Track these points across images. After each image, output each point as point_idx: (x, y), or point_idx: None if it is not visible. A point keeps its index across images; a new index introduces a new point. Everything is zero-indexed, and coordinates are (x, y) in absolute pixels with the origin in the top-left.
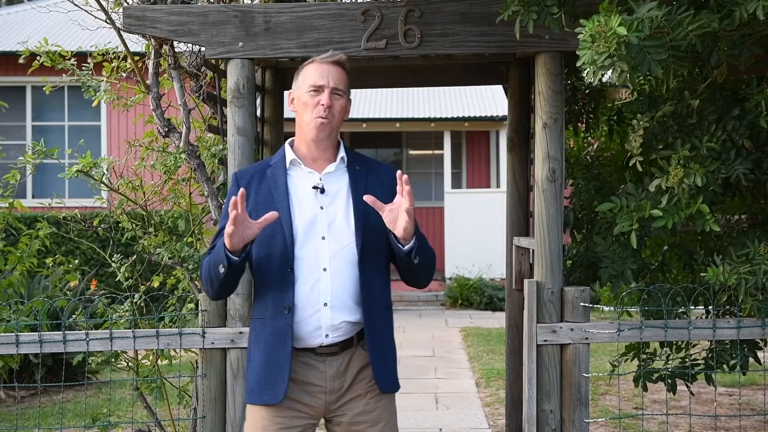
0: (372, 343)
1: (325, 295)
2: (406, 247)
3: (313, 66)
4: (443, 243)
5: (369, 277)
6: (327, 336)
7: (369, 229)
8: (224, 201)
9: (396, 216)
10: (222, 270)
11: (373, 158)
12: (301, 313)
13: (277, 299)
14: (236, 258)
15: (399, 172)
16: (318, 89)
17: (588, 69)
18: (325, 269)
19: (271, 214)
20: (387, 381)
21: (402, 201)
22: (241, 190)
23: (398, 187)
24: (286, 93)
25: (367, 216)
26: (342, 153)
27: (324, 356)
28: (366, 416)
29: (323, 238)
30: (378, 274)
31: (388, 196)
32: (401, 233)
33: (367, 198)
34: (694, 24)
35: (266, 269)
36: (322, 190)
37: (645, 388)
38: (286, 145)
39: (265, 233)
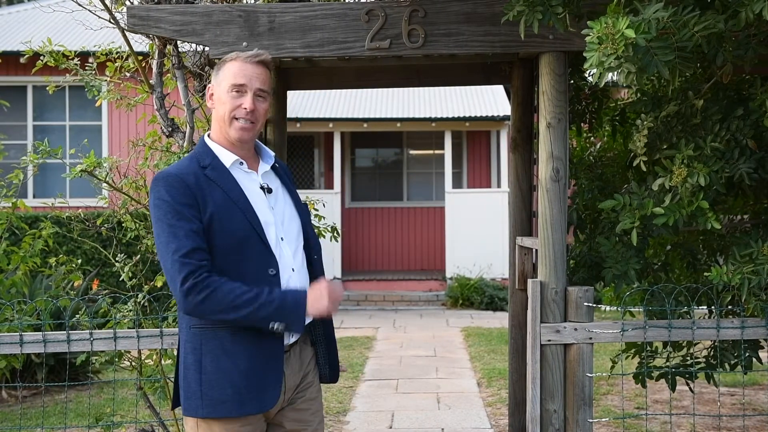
0: (327, 335)
1: None
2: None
3: (237, 64)
4: (444, 243)
5: (315, 274)
6: (293, 336)
7: (306, 221)
8: (168, 200)
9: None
10: (277, 329)
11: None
12: None
13: None
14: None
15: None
16: (240, 89)
17: (595, 70)
18: (293, 269)
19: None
20: (336, 370)
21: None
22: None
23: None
24: (289, 93)
25: (301, 212)
26: (270, 152)
27: (289, 352)
28: (311, 404)
29: (282, 238)
30: (317, 269)
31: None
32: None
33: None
34: (700, 25)
35: (237, 276)
36: (269, 190)
37: (644, 385)
38: (210, 143)
39: (236, 239)
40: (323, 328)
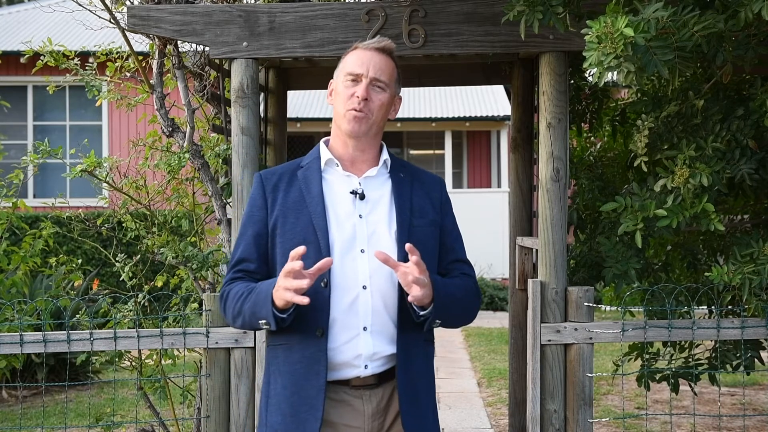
0: (405, 381)
1: (365, 317)
2: (422, 313)
3: (355, 52)
4: None
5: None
6: (366, 367)
7: (415, 245)
8: (250, 200)
9: (410, 282)
10: (264, 327)
11: (421, 167)
12: (335, 339)
13: (308, 321)
14: (284, 316)
15: (408, 245)
16: (355, 78)
17: (594, 70)
18: (365, 287)
19: (325, 261)
20: (418, 426)
21: (412, 268)
22: (301, 248)
23: (410, 256)
24: (289, 93)
25: (412, 229)
26: (385, 156)
27: (361, 390)
28: None
29: (362, 251)
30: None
31: (435, 210)
32: (411, 299)
33: (378, 254)
34: (700, 24)
35: None
36: (362, 196)
37: (648, 387)
38: (321, 143)
39: (295, 242)
40: (405, 375)
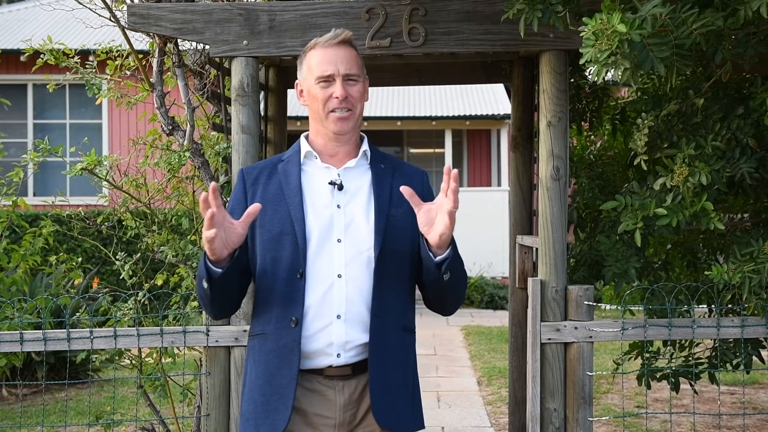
0: (378, 369)
1: (338, 306)
2: (438, 258)
3: (317, 52)
4: None
5: (386, 289)
6: (339, 355)
7: (392, 235)
8: (229, 200)
9: (433, 218)
10: (205, 285)
11: (401, 159)
12: (309, 327)
13: (283, 310)
14: (219, 269)
15: (447, 167)
16: (327, 79)
17: (592, 67)
18: (339, 276)
19: (254, 207)
20: (389, 416)
21: (444, 201)
22: (213, 184)
23: (444, 184)
24: (289, 91)
25: (390, 219)
26: (365, 147)
27: (334, 380)
28: None
29: (339, 240)
30: (398, 287)
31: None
32: (436, 240)
33: (404, 189)
34: (699, 22)
35: (272, 276)
36: (340, 187)
37: (648, 386)
38: (302, 138)
39: (273, 233)
40: (377, 362)
